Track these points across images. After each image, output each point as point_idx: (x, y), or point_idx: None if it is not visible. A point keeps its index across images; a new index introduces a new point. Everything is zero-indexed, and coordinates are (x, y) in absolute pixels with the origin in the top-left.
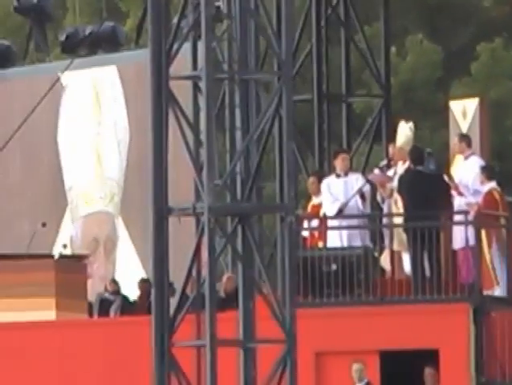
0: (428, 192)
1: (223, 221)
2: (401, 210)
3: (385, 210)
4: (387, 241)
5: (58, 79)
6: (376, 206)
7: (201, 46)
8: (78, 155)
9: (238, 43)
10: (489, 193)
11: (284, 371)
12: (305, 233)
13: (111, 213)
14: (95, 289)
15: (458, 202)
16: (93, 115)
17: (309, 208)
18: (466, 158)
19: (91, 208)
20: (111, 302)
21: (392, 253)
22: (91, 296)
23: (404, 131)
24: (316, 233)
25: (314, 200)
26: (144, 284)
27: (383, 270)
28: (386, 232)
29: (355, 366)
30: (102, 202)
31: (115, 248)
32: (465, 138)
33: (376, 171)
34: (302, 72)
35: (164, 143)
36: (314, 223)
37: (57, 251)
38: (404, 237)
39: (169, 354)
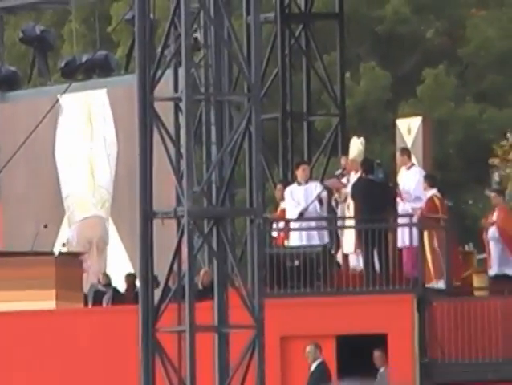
0: (377, 197)
1: (200, 223)
2: (353, 214)
3: (339, 213)
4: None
5: (57, 101)
6: (332, 210)
7: (181, 71)
8: (73, 167)
9: (214, 69)
10: (431, 199)
11: (253, 353)
12: (274, 233)
13: (103, 217)
14: (89, 282)
15: (402, 207)
16: (86, 132)
17: (278, 212)
18: (408, 169)
19: (85, 213)
20: (104, 293)
21: None
22: (86, 288)
23: (356, 145)
24: (281, 233)
25: (282, 205)
26: (129, 277)
27: (339, 265)
28: (341, 232)
29: (308, 348)
30: (94, 208)
31: (106, 247)
32: (405, 151)
33: (332, 179)
34: (270, 94)
35: (150, 156)
36: (282, 225)
37: (57, 249)
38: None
39: (154, 338)
